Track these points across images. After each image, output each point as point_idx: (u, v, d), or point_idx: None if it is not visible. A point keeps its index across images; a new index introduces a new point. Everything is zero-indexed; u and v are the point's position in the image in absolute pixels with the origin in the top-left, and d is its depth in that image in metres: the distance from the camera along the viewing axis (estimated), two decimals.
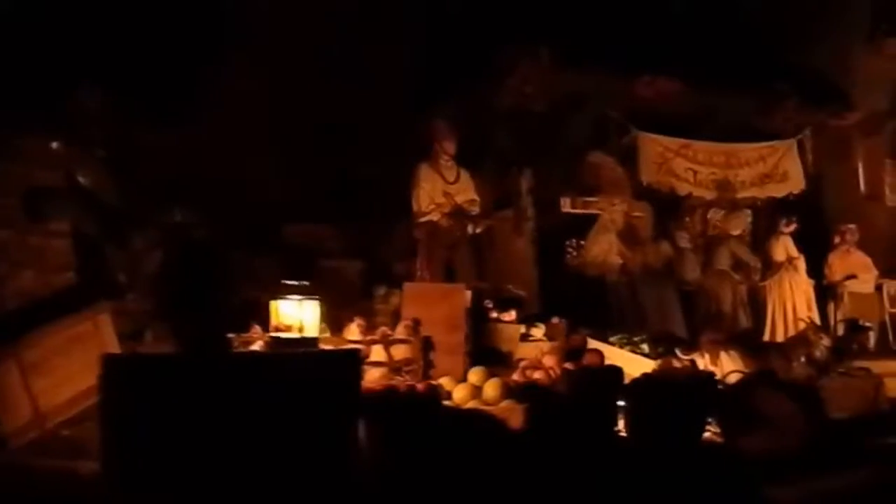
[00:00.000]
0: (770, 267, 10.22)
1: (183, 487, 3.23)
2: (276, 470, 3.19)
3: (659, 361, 6.57)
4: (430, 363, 5.02)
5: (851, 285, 10.48)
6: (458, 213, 8.28)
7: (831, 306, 10.60)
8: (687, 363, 6.58)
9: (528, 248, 10.31)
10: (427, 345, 5.01)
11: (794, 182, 11.41)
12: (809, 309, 9.92)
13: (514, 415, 4.09)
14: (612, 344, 6.95)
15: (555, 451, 3.71)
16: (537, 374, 4.81)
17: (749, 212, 10.50)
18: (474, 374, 4.48)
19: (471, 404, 4.27)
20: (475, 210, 8.42)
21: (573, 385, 4.46)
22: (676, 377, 4.78)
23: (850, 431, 5.51)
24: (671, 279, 9.41)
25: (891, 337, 10.29)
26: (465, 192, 8.48)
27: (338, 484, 3.27)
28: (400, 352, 4.99)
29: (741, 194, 11.16)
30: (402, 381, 4.75)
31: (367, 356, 5.01)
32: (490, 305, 7.25)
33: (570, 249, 10.41)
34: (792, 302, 9.78)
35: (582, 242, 9.90)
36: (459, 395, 4.36)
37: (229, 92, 9.29)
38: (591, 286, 9.18)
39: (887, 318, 10.37)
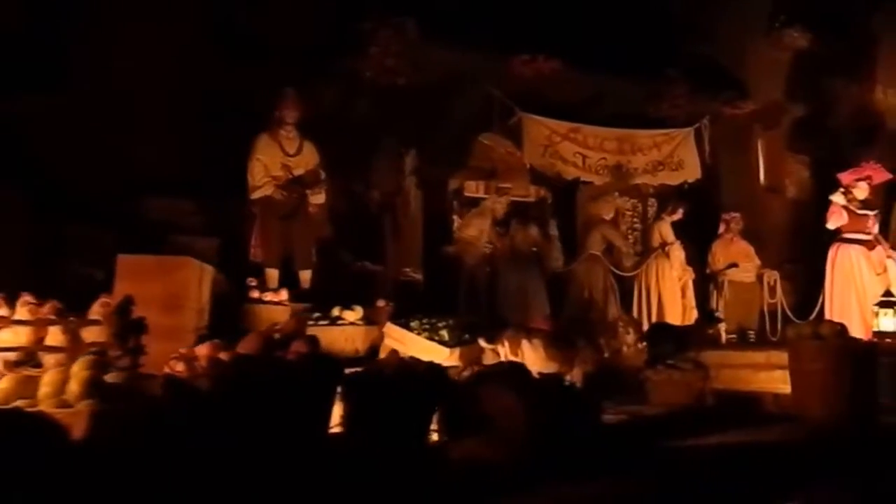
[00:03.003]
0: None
1: None
2: None
3: (458, 350, 5.47)
4: (138, 349, 3.88)
5: (732, 274, 9.35)
6: (295, 184, 7.13)
7: (714, 295, 9.48)
8: (493, 352, 5.46)
9: (416, 231, 9.22)
10: (134, 327, 3.86)
11: (690, 171, 10.26)
12: (683, 297, 8.77)
13: (80, 419, 2.97)
14: (412, 330, 5.83)
15: (135, 461, 2.61)
16: (179, 367, 3.69)
17: (617, 194, 9.28)
18: (77, 366, 3.39)
19: (48, 403, 3.18)
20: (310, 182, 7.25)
21: (218, 380, 3.35)
22: (391, 371, 3.68)
23: (611, 435, 4.40)
24: (537, 264, 8.23)
25: (768, 328, 9.16)
26: (307, 165, 7.32)
27: None
28: (92, 335, 3.86)
29: (633, 181, 10.03)
30: None
31: (41, 339, 3.86)
32: (253, 284, 6.08)
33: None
34: (657, 290, 8.61)
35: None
36: (43, 390, 3.26)
37: (103, 58, 8.11)
38: (449, 269, 8.05)
39: (766, 308, 9.22)
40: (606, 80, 9.51)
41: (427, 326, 5.76)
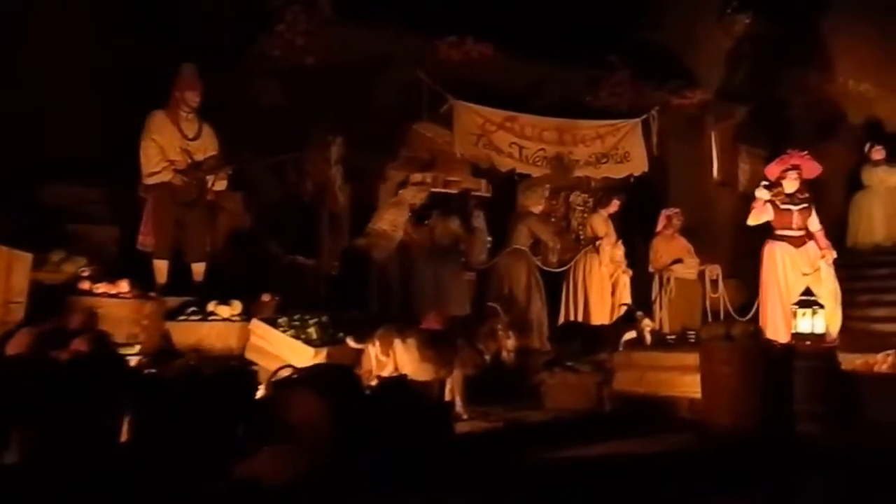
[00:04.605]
0: None
1: None
2: None
3: (326, 349, 5.05)
4: None
5: (678, 270, 8.93)
6: (195, 169, 6.69)
7: (660, 292, 9.06)
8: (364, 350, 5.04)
9: (342, 221, 8.80)
10: None
11: (636, 164, 9.77)
12: (613, 295, 8.34)
13: None
14: (279, 327, 5.40)
15: None
16: None
17: (548, 187, 8.83)
18: None
19: None
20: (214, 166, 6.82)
21: None
22: (175, 375, 3.27)
23: (467, 446, 3.97)
24: (458, 258, 7.80)
25: None
26: (206, 150, 6.88)
27: None
28: None
29: (575, 174, 9.59)
30: None
31: None
32: (85, 274, 5.61)
33: None
34: (584, 286, 8.18)
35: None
36: None
37: (9, 37, 7.66)
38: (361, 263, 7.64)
39: (708, 304, 8.82)
40: (545, 67, 9.05)
41: (296, 323, 5.33)
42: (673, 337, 8.44)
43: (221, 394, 3.21)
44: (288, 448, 3.04)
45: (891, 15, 9.61)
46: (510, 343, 5.16)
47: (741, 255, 9.74)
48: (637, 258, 9.40)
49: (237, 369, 3.56)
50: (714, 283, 8.68)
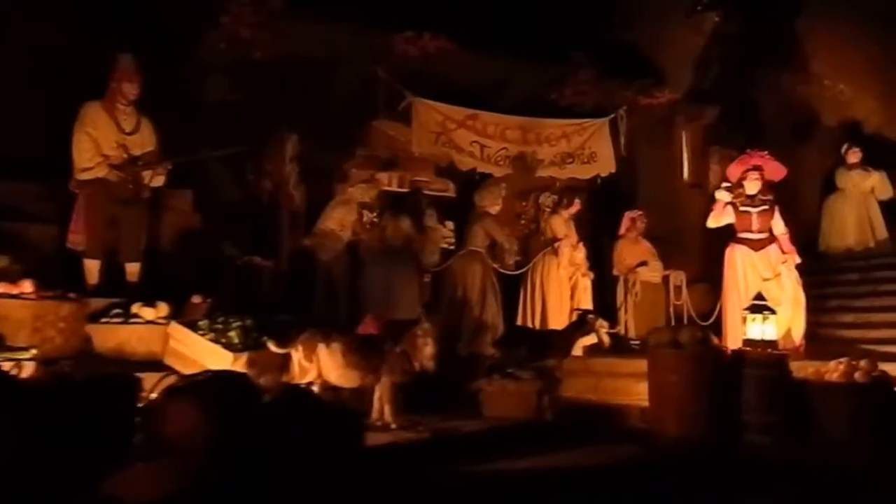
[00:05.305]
0: None
1: None
2: None
3: (246, 355, 4.84)
4: None
5: (643, 273, 8.75)
6: (131, 164, 6.46)
7: (625, 297, 8.86)
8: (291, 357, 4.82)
9: (299, 221, 8.60)
10: None
11: (603, 164, 9.55)
12: (572, 299, 8.14)
13: None
14: (199, 330, 5.19)
15: None
16: None
17: (504, 186, 8.61)
18: None
19: None
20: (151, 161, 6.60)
21: None
22: (50, 379, 3.07)
23: (377, 461, 3.76)
24: (411, 259, 7.59)
25: None
26: (143, 146, 6.65)
27: None
28: None
29: (539, 174, 9.39)
30: None
31: None
32: None
33: None
34: (541, 290, 7.98)
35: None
36: None
37: None
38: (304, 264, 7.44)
39: (672, 310, 8.63)
40: (509, 64, 8.87)
41: (218, 326, 5.10)
42: (637, 342, 8.29)
43: (92, 403, 2.99)
44: (163, 463, 2.82)
45: (869, 17, 9.44)
46: (428, 350, 4.94)
47: (711, 258, 9.55)
48: (604, 261, 9.23)
49: (114, 376, 3.34)
50: (678, 288, 8.47)
